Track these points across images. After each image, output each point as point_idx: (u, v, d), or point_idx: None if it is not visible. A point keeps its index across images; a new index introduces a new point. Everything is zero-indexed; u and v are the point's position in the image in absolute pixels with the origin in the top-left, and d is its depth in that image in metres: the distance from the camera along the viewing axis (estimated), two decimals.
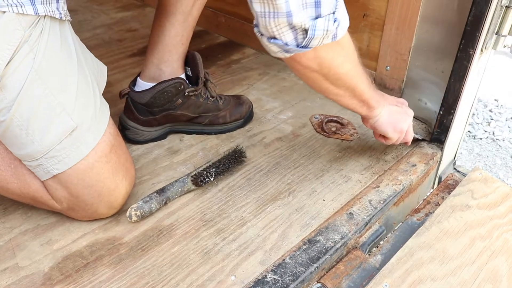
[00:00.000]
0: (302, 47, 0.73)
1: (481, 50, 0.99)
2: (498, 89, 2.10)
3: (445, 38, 1.08)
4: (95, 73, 0.87)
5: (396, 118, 0.99)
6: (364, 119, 1.00)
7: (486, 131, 1.86)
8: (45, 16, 0.74)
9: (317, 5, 0.69)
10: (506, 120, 1.92)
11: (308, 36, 0.71)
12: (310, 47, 0.74)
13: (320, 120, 1.23)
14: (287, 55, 0.77)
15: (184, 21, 1.06)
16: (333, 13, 0.71)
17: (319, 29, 0.70)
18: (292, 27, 0.70)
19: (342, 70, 0.83)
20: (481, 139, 1.83)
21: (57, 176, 0.83)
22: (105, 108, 0.88)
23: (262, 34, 0.75)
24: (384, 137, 1.02)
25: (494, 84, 2.10)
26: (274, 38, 0.73)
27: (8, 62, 0.72)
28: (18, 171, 0.85)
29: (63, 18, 0.79)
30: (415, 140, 1.13)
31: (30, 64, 0.74)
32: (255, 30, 0.77)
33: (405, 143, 1.09)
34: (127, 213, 0.90)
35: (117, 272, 0.82)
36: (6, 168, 0.85)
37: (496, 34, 0.99)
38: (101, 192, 0.86)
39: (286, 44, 0.73)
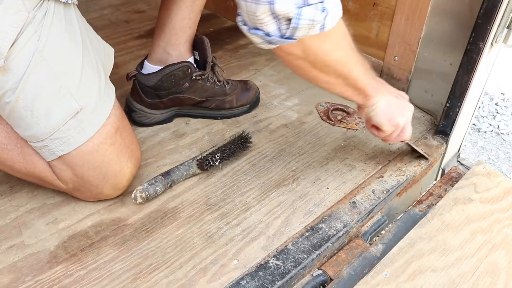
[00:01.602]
0: (287, 38, 0.68)
1: (491, 44, 0.98)
2: (505, 82, 2.09)
3: (455, 30, 1.08)
4: (101, 55, 0.87)
5: (393, 110, 0.91)
6: (360, 107, 0.93)
7: (491, 125, 1.86)
8: None
9: None
10: (511, 114, 1.91)
11: (291, 26, 0.66)
12: (295, 38, 0.68)
13: (326, 108, 1.24)
14: (271, 46, 0.71)
15: (191, 4, 1.06)
16: (322, 1, 0.66)
17: (304, 19, 0.65)
18: (275, 16, 0.65)
19: (331, 57, 0.77)
20: (485, 132, 1.83)
21: (62, 157, 0.83)
22: (111, 90, 0.88)
23: (244, 24, 0.70)
24: (377, 129, 0.94)
25: (501, 78, 2.09)
26: (256, 28, 0.68)
27: (13, 44, 0.72)
28: (25, 151, 0.86)
29: (69, 2, 0.78)
30: (413, 150, 1.08)
31: (35, 46, 0.74)
32: (238, 19, 0.71)
33: (401, 141, 1.02)
34: (132, 195, 0.91)
35: (121, 253, 0.83)
36: (13, 148, 0.86)
37: (507, 28, 0.98)
38: (106, 174, 0.87)
39: (268, 34, 0.68)
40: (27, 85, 0.75)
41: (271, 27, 0.66)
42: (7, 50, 0.71)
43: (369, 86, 0.86)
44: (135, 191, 0.91)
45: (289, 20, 0.65)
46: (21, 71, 0.74)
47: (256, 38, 0.70)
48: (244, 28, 0.70)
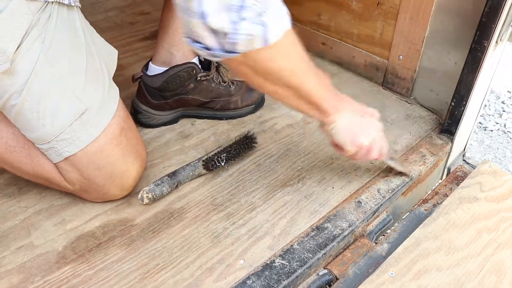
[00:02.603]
0: (229, 52, 0.65)
1: (496, 42, 0.98)
2: (511, 80, 2.08)
3: (460, 29, 1.08)
4: (105, 57, 0.88)
5: (356, 129, 0.86)
6: (321, 125, 0.87)
7: (497, 123, 1.86)
8: (53, 1, 0.75)
9: (240, 8, 0.60)
10: None
11: (229, 41, 0.63)
12: (237, 53, 0.65)
13: None
14: (216, 59, 0.68)
15: None
16: (260, 16, 0.62)
17: (242, 34, 0.62)
18: (212, 31, 0.62)
19: (274, 65, 0.72)
20: (492, 130, 1.82)
21: (68, 158, 0.84)
22: (115, 91, 0.89)
23: (186, 36, 0.66)
24: (341, 148, 0.89)
25: (507, 76, 2.08)
26: (197, 42, 0.65)
27: (18, 47, 0.73)
28: (32, 153, 0.87)
29: (72, 4, 0.79)
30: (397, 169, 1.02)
31: (39, 48, 0.75)
32: (182, 30, 0.67)
33: (375, 159, 0.94)
34: (139, 196, 0.92)
35: (128, 253, 0.84)
36: (21, 150, 0.87)
37: None
38: (112, 174, 0.88)
39: (208, 48, 0.64)
40: (32, 87, 0.76)
41: (209, 40, 0.63)
42: (13, 53, 0.72)
43: (325, 100, 0.81)
44: (141, 191, 0.92)
45: (226, 34, 0.62)
46: (27, 73, 0.75)
47: (199, 51, 0.67)
48: (187, 41, 0.67)
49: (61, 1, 0.76)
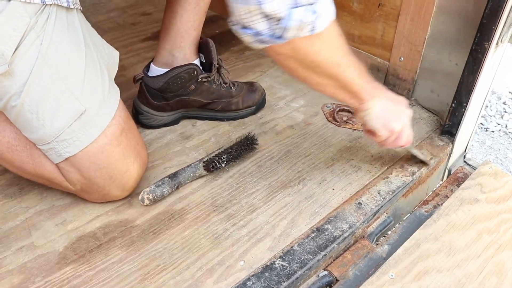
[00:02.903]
0: (277, 37, 0.68)
1: (497, 44, 0.98)
2: None
3: (461, 30, 1.08)
4: (105, 58, 0.88)
5: (389, 115, 0.90)
6: (356, 111, 0.92)
7: (498, 124, 1.85)
8: (51, 4, 0.75)
9: None
10: None
11: (281, 26, 0.66)
12: (286, 38, 0.68)
13: (331, 109, 1.24)
14: (263, 45, 0.71)
15: (196, 6, 1.07)
16: (312, 4, 0.66)
17: (295, 20, 0.65)
18: (265, 16, 0.65)
19: (321, 58, 0.77)
20: (493, 131, 1.82)
21: (69, 159, 0.85)
22: (115, 92, 0.90)
23: (236, 23, 0.69)
24: (373, 133, 0.93)
25: (508, 77, 2.08)
26: (247, 27, 0.68)
27: (16, 49, 0.73)
28: (34, 153, 0.87)
29: (71, 7, 0.80)
30: (414, 156, 1.06)
31: (37, 50, 0.75)
32: (229, 19, 0.71)
33: (401, 146, 0.98)
34: (140, 197, 0.92)
35: (129, 254, 0.84)
36: (23, 149, 0.87)
37: None
38: (112, 175, 0.88)
39: (259, 33, 0.67)
40: (31, 88, 0.77)
41: (261, 25, 0.66)
42: (11, 55, 0.73)
43: (363, 89, 0.85)
44: (142, 192, 0.92)
45: (279, 20, 0.65)
46: (25, 75, 0.75)
47: (247, 37, 0.70)
48: (235, 28, 0.70)
49: (59, 4, 0.77)
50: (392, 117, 0.90)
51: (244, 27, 0.68)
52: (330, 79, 0.81)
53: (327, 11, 0.69)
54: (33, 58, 0.75)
